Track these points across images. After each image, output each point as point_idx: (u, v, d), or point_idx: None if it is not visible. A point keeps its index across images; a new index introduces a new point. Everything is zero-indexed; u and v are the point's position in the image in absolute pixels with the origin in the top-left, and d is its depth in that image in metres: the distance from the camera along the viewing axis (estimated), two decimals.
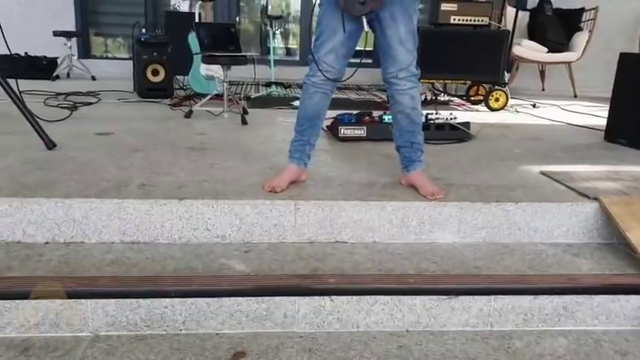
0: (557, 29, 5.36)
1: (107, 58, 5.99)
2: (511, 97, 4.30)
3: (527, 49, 5.14)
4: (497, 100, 4.12)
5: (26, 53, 5.23)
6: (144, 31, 4.13)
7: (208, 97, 3.52)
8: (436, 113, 2.93)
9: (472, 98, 4.44)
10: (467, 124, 2.93)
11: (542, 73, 5.82)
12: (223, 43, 3.38)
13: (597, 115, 4.02)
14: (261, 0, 6.84)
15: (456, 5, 4.01)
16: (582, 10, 5.44)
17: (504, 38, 4.05)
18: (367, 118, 2.89)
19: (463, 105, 4.40)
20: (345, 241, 1.79)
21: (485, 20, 4.05)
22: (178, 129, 2.98)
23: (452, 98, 4.51)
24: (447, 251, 1.76)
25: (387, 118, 2.83)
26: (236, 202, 1.73)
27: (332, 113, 2.75)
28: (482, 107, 4.23)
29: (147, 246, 1.68)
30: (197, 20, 4.01)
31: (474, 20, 4.04)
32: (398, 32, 1.80)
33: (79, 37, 5.56)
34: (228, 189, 1.85)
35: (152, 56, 4.08)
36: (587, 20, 5.39)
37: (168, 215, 1.70)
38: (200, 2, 3.95)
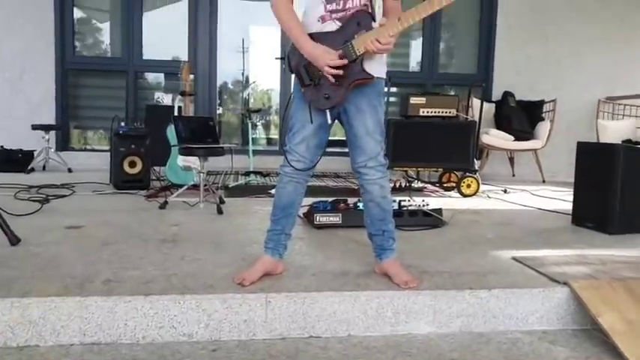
0: (521, 119, 5.65)
1: (86, 150, 6.04)
2: (483, 183, 4.43)
3: (495, 137, 5.38)
4: (468, 186, 4.23)
5: (2, 147, 5.26)
6: (122, 124, 4.22)
7: (184, 187, 3.54)
8: (409, 200, 2.99)
9: (445, 185, 4.55)
10: (439, 211, 2.98)
11: (511, 160, 6.04)
12: (201, 135, 3.46)
13: (565, 200, 4.14)
14: (242, 94, 7.15)
15: (424, 99, 4.23)
16: (542, 101, 5.78)
17: (472, 128, 4.25)
18: (342, 205, 2.92)
19: (436, 191, 4.50)
20: (319, 335, 1.74)
21: (453, 112, 4.26)
22: (152, 221, 2.96)
23: (425, 185, 4.61)
24: (422, 343, 1.71)
25: (361, 205, 2.87)
26: (204, 296, 1.69)
27: (308, 201, 2.78)
28: (454, 193, 4.33)
29: (108, 347, 1.60)
30: (176, 114, 4.12)
31: (442, 112, 4.24)
32: (365, 123, 1.85)
33: (57, 130, 5.64)
34: (197, 283, 1.80)
35: (130, 148, 4.14)
36: (548, 111, 5.72)
37: (133, 313, 1.63)
38: (179, 96, 4.09)
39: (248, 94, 9.48)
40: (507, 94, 5.89)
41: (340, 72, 1.76)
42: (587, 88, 6.23)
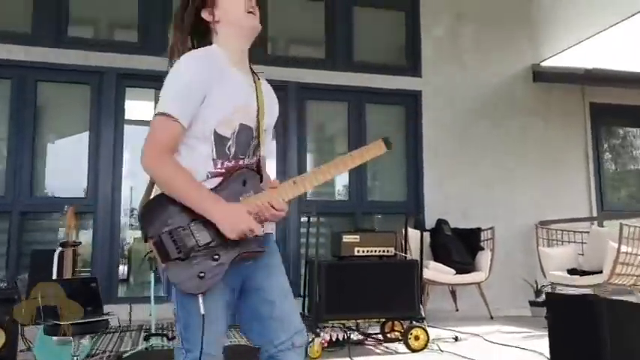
0: (459, 249, 5.29)
1: None
2: (428, 326, 3.82)
3: (435, 271, 4.93)
4: (417, 338, 3.61)
5: None
6: None
7: None
8: None
9: (388, 335, 3.90)
10: None
11: (453, 294, 5.57)
12: (78, 303, 2.66)
13: (524, 348, 3.63)
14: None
15: (358, 237, 3.73)
16: (479, 229, 5.50)
17: (414, 268, 3.75)
18: None
19: (379, 344, 3.83)
20: None
21: (391, 250, 3.77)
22: None
23: (366, 337, 3.93)
24: None
25: None
26: None
27: None
28: (401, 347, 3.68)
29: None
30: (55, 270, 3.29)
31: (380, 251, 3.73)
32: (279, 283, 1.53)
33: None
34: None
35: None
36: (487, 239, 5.42)
37: None
38: (59, 249, 3.30)
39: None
40: (441, 222, 5.57)
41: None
42: (519, 212, 6.09)
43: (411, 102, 6.11)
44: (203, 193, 1.39)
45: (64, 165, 5.41)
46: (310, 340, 3.45)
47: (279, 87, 5.48)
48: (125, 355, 3.46)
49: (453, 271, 5.07)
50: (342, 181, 6.12)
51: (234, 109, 1.46)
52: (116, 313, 4.65)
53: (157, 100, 1.45)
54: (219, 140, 1.44)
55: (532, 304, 5.25)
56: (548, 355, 3.15)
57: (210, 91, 1.41)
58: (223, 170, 1.44)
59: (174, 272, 1.35)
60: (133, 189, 6.68)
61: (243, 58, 1.56)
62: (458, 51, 6.23)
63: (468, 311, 5.40)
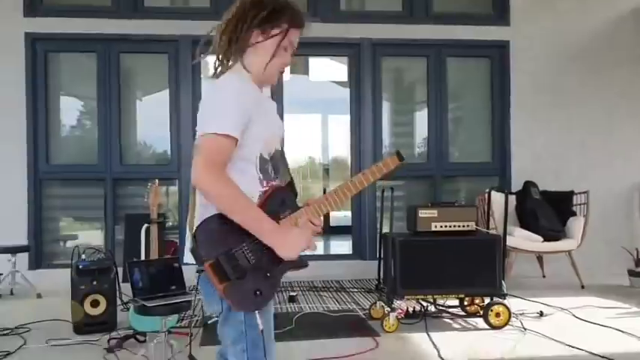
0: (549, 215, 4.95)
1: (61, 266, 5.38)
2: (509, 294, 3.67)
3: (521, 239, 4.68)
4: (497, 315, 3.48)
5: None
6: (83, 256, 3.60)
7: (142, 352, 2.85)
8: None
9: (467, 309, 3.80)
10: None
11: (539, 259, 5.29)
12: (163, 283, 2.82)
13: (620, 330, 3.38)
14: None
15: (435, 211, 3.58)
16: (572, 193, 5.10)
17: (497, 244, 3.55)
18: None
19: (457, 318, 3.75)
20: None
21: (472, 225, 3.59)
22: None
23: (443, 310, 3.85)
24: None
25: None
26: None
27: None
28: (480, 321, 3.57)
29: None
30: (143, 250, 3.49)
31: (459, 226, 3.57)
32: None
33: (26, 251, 5.02)
34: None
35: (91, 286, 3.51)
36: (580, 204, 5.02)
37: None
38: (145, 226, 3.47)
39: None
40: (529, 185, 5.22)
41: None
42: (618, 173, 5.57)
43: (498, 53, 5.65)
44: (261, 215, 1.41)
45: (149, 128, 5.67)
46: (387, 314, 3.45)
47: (353, 45, 5.41)
48: (210, 322, 3.67)
49: (541, 239, 4.78)
50: (418, 140, 5.90)
51: (272, 134, 1.53)
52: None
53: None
54: (263, 162, 1.49)
55: (631, 273, 4.86)
56: None
57: (254, 117, 1.44)
58: (268, 190, 1.49)
59: (231, 292, 1.37)
60: None
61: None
62: None
63: (555, 278, 5.12)
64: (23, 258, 4.99)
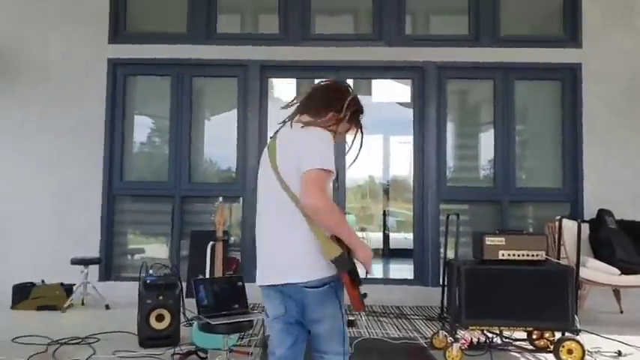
0: (626, 245, 4.65)
1: (129, 279, 5.61)
2: (582, 329, 3.43)
3: (595, 271, 4.41)
4: (569, 352, 3.28)
5: (42, 281, 4.97)
6: (151, 271, 3.74)
7: None
8: None
9: (535, 343, 3.60)
10: None
11: (616, 293, 4.94)
12: (226, 301, 2.88)
13: None
14: None
15: (503, 239, 3.44)
16: None
17: (569, 276, 3.36)
18: None
19: (524, 351, 3.56)
20: None
21: (542, 254, 3.42)
22: None
23: (510, 342, 3.68)
24: None
25: None
26: None
27: None
28: (550, 356, 3.37)
29: None
30: (208, 267, 3.58)
31: (528, 255, 3.42)
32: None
33: (97, 263, 5.28)
34: None
35: (157, 300, 3.64)
36: None
37: None
38: (211, 244, 3.56)
39: None
40: (604, 213, 4.93)
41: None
42: None
43: (569, 76, 5.43)
44: (353, 232, 1.78)
45: (216, 147, 5.86)
46: (449, 343, 3.34)
47: (416, 68, 5.39)
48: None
49: (618, 271, 4.49)
50: (483, 162, 5.73)
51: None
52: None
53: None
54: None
55: None
56: None
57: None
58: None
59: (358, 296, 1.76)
60: None
61: None
62: (629, 13, 5.34)
63: (634, 314, 4.76)
64: (94, 270, 5.24)
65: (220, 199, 3.82)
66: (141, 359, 3.37)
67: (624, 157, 5.29)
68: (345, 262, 1.70)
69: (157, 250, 5.80)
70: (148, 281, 3.66)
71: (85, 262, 5.02)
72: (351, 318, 4.37)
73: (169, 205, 5.57)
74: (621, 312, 4.93)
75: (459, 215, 3.76)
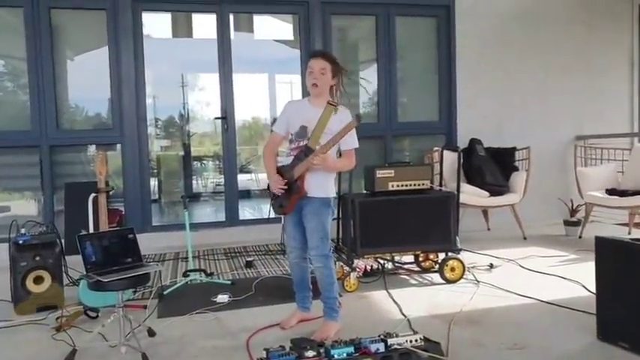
0: (493, 171, 5.14)
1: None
2: (462, 248, 3.81)
3: (468, 195, 4.83)
4: (452, 270, 3.61)
5: None
6: (23, 230, 3.35)
7: (97, 329, 2.72)
8: (396, 336, 2.29)
9: (422, 264, 3.91)
10: (437, 346, 2.30)
11: (484, 213, 5.51)
12: (117, 255, 2.67)
13: (562, 277, 3.61)
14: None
15: (392, 171, 3.60)
16: (514, 149, 5.31)
17: (451, 201, 3.64)
18: (310, 354, 2.19)
19: (413, 273, 3.85)
20: None
21: (427, 183, 3.65)
22: None
23: (400, 267, 3.95)
24: None
25: (336, 353, 2.16)
26: None
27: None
28: (435, 276, 3.69)
29: None
30: (91, 221, 3.28)
31: (415, 185, 3.62)
32: (309, 225, 2.67)
33: None
34: None
35: (34, 261, 3.28)
36: (522, 159, 5.24)
37: None
38: (92, 196, 3.25)
39: (188, 134, 8.73)
40: (475, 142, 5.38)
41: (282, 190, 2.70)
42: (556, 128, 5.85)
43: (443, 13, 5.66)
44: (270, 171, 2.80)
45: (84, 90, 5.28)
46: (347, 274, 3.49)
47: (299, 3, 5.24)
48: (166, 292, 3.56)
49: (487, 194, 4.98)
50: (364, 99, 5.88)
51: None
52: (152, 241, 4.80)
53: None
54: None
55: (566, 223, 5.18)
56: (586, 286, 3.24)
57: None
58: (292, 149, 2.75)
59: (275, 205, 2.82)
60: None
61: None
62: None
63: (499, 230, 5.37)
64: None
65: (94, 146, 3.46)
66: (21, 327, 3.06)
67: (490, 91, 5.73)
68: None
69: (24, 206, 5.18)
70: (21, 242, 3.27)
71: None
72: (249, 259, 4.38)
73: (36, 157, 4.96)
74: (489, 229, 5.53)
75: None
